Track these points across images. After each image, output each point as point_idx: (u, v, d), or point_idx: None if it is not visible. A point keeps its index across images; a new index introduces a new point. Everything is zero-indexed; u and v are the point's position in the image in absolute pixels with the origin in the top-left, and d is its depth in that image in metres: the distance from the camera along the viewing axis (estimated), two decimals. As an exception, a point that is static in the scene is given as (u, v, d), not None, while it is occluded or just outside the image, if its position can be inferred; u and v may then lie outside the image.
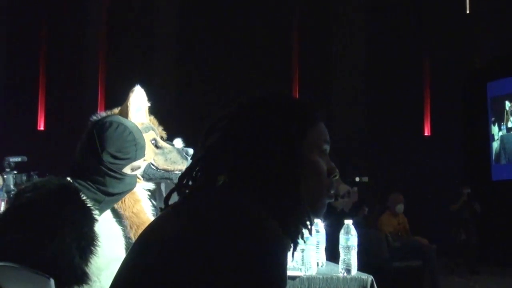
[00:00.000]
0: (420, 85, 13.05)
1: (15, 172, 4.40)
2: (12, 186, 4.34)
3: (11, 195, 4.30)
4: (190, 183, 1.44)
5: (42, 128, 12.16)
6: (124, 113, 2.52)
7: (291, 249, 1.41)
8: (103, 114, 2.53)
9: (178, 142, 2.84)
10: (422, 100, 13.08)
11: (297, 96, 12.60)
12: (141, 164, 2.28)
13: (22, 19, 11.84)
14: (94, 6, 12.07)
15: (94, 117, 2.51)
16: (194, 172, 1.44)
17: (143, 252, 1.35)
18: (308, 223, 1.43)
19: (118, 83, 11.47)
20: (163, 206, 1.49)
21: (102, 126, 2.19)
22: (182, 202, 1.42)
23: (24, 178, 4.39)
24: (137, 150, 2.21)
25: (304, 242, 1.50)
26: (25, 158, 4.48)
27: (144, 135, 2.42)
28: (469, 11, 12.50)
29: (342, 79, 12.74)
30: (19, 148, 9.34)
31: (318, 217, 1.47)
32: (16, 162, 4.41)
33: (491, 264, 10.33)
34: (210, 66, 12.25)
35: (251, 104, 1.45)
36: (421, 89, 13.07)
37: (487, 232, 10.86)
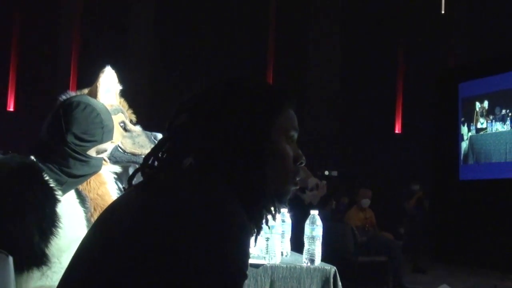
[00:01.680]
0: (393, 82, 13.14)
1: None
2: None
3: None
4: (155, 163, 1.43)
5: (11, 109, 11.99)
6: (93, 94, 2.49)
7: (255, 234, 1.41)
8: (73, 93, 2.49)
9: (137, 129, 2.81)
10: (395, 98, 13.18)
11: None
12: (107, 147, 2.23)
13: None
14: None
15: (63, 96, 2.47)
16: (160, 153, 1.43)
17: (103, 230, 1.34)
18: (272, 208, 1.43)
19: (91, 64, 11.35)
20: (127, 186, 1.48)
21: (69, 106, 2.12)
22: (146, 182, 1.41)
23: None
24: (104, 133, 2.14)
25: (269, 228, 1.49)
26: None
27: (113, 117, 2.37)
28: (444, 11, 12.58)
29: (315, 75, 12.79)
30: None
31: (282, 203, 1.46)
32: None
33: (454, 263, 10.48)
34: (185, 50, 12.17)
35: (221, 86, 1.44)
36: (393, 87, 13.16)
37: (451, 231, 11.02)
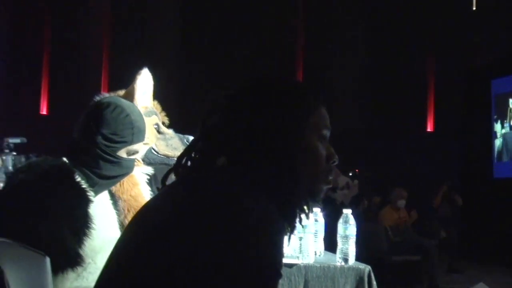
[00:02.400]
0: (424, 80, 13.02)
1: (14, 153, 4.39)
2: (10, 168, 4.33)
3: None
4: (188, 163, 1.44)
5: (45, 113, 12.14)
6: (130, 96, 2.50)
7: (288, 234, 1.41)
8: (106, 94, 2.51)
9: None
10: (426, 96, 13.06)
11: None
12: (139, 148, 2.21)
13: (26, 1, 11.81)
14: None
15: (97, 97, 2.49)
16: (193, 153, 1.44)
17: (137, 231, 1.34)
18: (305, 207, 1.42)
19: (122, 67, 11.46)
20: (160, 187, 1.49)
21: (100, 107, 2.13)
22: (179, 183, 1.41)
23: (23, 159, 4.37)
24: (134, 134, 2.13)
25: (302, 227, 1.49)
26: (24, 140, 4.48)
27: (147, 119, 2.39)
28: (475, 7, 12.43)
29: (344, 73, 12.72)
30: (21, 132, 9.33)
31: (315, 202, 1.46)
32: (15, 144, 4.41)
33: (489, 263, 10.34)
34: (214, 52, 12.20)
35: (253, 86, 1.44)
36: (425, 85, 13.04)
37: (485, 230, 10.87)
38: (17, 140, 4.43)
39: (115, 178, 2.17)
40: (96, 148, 2.08)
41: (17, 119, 11.09)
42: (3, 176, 4.36)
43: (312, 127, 1.41)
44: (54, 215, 1.88)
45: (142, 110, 2.39)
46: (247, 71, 11.90)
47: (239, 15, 12.32)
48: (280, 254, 1.25)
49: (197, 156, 1.43)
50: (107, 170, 2.11)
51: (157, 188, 1.51)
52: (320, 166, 1.42)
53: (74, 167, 2.07)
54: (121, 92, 2.57)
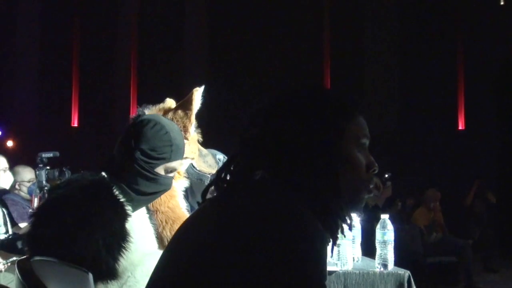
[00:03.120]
0: (454, 78, 12.89)
1: (48, 167, 4.45)
2: (44, 182, 4.39)
3: (44, 191, 4.36)
4: (228, 177, 1.44)
5: (76, 125, 12.28)
6: (187, 109, 2.53)
7: (330, 244, 1.40)
8: (151, 107, 2.53)
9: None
10: (456, 94, 12.92)
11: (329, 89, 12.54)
12: (177, 166, 2.19)
13: (55, 16, 11.96)
14: (126, 3, 12.15)
15: (139, 111, 2.47)
16: (232, 166, 1.44)
17: (182, 248, 1.35)
18: (347, 218, 1.41)
19: (150, 79, 11.57)
20: (200, 201, 1.49)
21: (140, 123, 2.12)
22: (220, 197, 1.42)
23: (56, 173, 4.43)
24: (173, 151, 2.12)
25: (344, 236, 1.48)
26: (57, 154, 4.53)
27: (194, 134, 2.43)
28: (503, 2, 12.29)
29: (374, 73, 12.67)
30: (54, 144, 9.45)
31: (357, 212, 1.45)
32: (48, 158, 4.46)
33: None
34: (240, 62, 12.23)
35: (289, 98, 1.44)
36: (455, 82, 12.91)
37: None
38: (50, 155, 4.49)
39: (153, 195, 2.16)
40: (134, 164, 2.08)
41: (49, 132, 11.25)
42: (38, 190, 4.42)
43: (351, 137, 1.40)
44: (89, 230, 1.90)
45: (194, 124, 2.42)
46: (274, 75, 11.93)
47: (265, 18, 12.33)
48: (325, 267, 1.25)
49: (236, 170, 1.43)
50: (145, 187, 2.10)
51: (197, 203, 1.51)
52: (361, 176, 1.41)
53: (113, 182, 2.08)
54: (168, 104, 2.59)
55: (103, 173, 2.11)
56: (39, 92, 11.90)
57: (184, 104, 2.54)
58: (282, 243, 1.19)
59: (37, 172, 4.43)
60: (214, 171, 2.69)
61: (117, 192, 2.05)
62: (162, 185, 2.15)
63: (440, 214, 8.60)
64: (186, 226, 1.42)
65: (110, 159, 2.17)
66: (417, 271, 6.73)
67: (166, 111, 2.56)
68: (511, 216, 10.76)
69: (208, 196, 1.47)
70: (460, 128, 12.91)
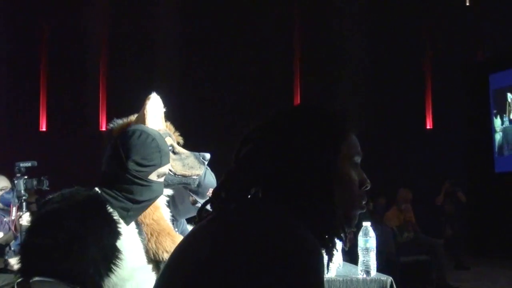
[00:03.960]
0: (421, 78, 13.02)
1: (26, 177, 4.41)
2: (22, 192, 4.36)
3: (22, 200, 4.33)
4: (223, 195, 1.45)
5: (44, 129, 12.14)
6: (141, 121, 2.52)
7: (327, 261, 1.42)
8: (119, 121, 2.54)
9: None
10: (424, 93, 13.06)
11: (300, 90, 12.62)
12: (166, 170, 2.27)
13: (23, 19, 11.80)
14: (95, 6, 12.04)
15: (111, 125, 2.53)
16: (228, 184, 1.45)
17: (180, 268, 1.35)
18: (342, 234, 1.43)
19: (119, 82, 11.48)
20: (188, 213, 1.50)
21: (125, 135, 2.20)
22: (217, 216, 1.42)
23: (34, 183, 4.40)
24: (162, 157, 2.20)
25: (337, 250, 1.50)
26: (35, 163, 4.50)
27: None
28: (469, 3, 12.48)
29: (342, 73, 12.73)
30: (22, 149, 9.37)
31: (350, 228, 1.47)
32: (26, 167, 4.43)
33: (495, 257, 10.38)
34: (212, 66, 12.21)
35: (284, 116, 1.46)
36: (422, 82, 13.04)
37: (490, 225, 10.91)
38: (28, 164, 4.46)
39: (147, 201, 2.23)
40: (128, 174, 2.14)
41: (17, 137, 11.11)
42: (16, 200, 4.39)
43: (345, 155, 1.42)
44: (83, 245, 1.91)
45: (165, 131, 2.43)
46: (247, 79, 11.95)
47: (237, 21, 12.33)
48: (322, 283, 1.27)
49: (232, 187, 1.44)
50: (140, 195, 2.17)
51: (193, 222, 1.52)
52: (354, 193, 1.44)
53: (107, 195, 2.13)
54: (133, 118, 2.58)
55: (97, 189, 2.14)
56: (6, 96, 11.73)
57: (140, 115, 2.54)
58: (280, 261, 1.20)
59: (15, 182, 4.40)
60: (198, 171, 2.67)
61: (111, 209, 2.08)
62: (155, 191, 2.23)
63: (412, 214, 8.69)
64: (184, 245, 1.43)
65: (101, 174, 2.22)
66: (390, 271, 6.80)
67: (128, 125, 2.55)
68: (481, 215, 10.95)
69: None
70: (428, 127, 13.05)
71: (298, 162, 1.36)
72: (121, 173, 2.14)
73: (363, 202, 1.48)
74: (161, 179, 2.26)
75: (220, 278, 1.22)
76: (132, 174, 2.14)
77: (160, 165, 2.20)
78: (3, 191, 5.54)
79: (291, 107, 1.50)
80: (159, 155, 2.19)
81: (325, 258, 1.40)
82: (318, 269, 1.24)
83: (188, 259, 1.34)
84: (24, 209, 4.32)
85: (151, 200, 2.25)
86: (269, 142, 1.41)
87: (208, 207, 1.47)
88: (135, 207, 2.18)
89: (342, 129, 1.44)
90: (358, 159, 1.46)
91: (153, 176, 2.19)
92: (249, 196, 1.43)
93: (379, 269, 2.89)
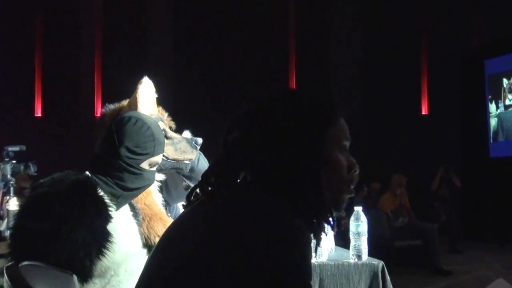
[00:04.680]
0: (417, 64, 13.02)
1: (14, 161, 4.40)
2: (9, 176, 4.35)
3: (10, 185, 4.32)
4: (212, 180, 1.46)
5: (39, 114, 12.12)
6: (133, 105, 2.52)
7: (314, 245, 1.43)
8: (112, 106, 2.54)
9: (187, 134, 2.84)
10: (420, 79, 13.06)
11: (295, 80, 12.60)
12: (159, 160, 2.25)
13: (18, 4, 11.75)
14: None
15: (103, 110, 2.52)
16: (217, 169, 1.46)
17: (169, 251, 1.36)
18: (330, 219, 1.45)
19: (114, 67, 11.46)
20: (183, 202, 1.51)
21: (121, 121, 2.17)
22: (206, 200, 1.44)
23: (22, 167, 4.40)
24: (156, 146, 2.18)
25: (326, 235, 1.51)
26: (23, 147, 4.49)
27: None
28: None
29: (338, 59, 12.72)
30: (18, 134, 9.37)
31: (339, 212, 1.48)
32: (14, 151, 4.42)
33: (489, 241, 10.44)
34: (205, 57, 12.18)
35: (272, 101, 1.46)
36: (418, 68, 13.04)
37: (485, 210, 10.95)
38: (16, 148, 4.45)
39: (138, 189, 2.21)
40: (120, 160, 2.12)
41: (13, 122, 11.10)
42: (1, 184, 4.38)
43: (332, 139, 1.43)
44: (72, 228, 1.90)
45: (158, 116, 2.42)
46: (240, 71, 11.93)
47: (230, 10, 12.29)
48: (310, 267, 1.28)
49: (220, 172, 1.45)
50: (131, 182, 2.15)
51: (182, 205, 1.53)
52: (342, 177, 1.45)
53: (98, 180, 2.11)
54: (125, 102, 2.57)
55: (87, 173, 2.14)
56: (1, 82, 11.70)
57: (132, 100, 2.54)
58: (267, 245, 1.22)
59: (2, 166, 4.39)
60: (191, 156, 2.67)
61: (102, 192, 2.07)
62: (147, 180, 2.21)
63: (406, 199, 8.72)
64: (172, 230, 1.44)
65: (93, 158, 2.19)
66: (385, 255, 6.84)
67: (120, 110, 2.54)
68: (475, 200, 10.99)
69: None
70: (423, 113, 13.07)
71: (286, 147, 1.37)
72: (113, 159, 2.13)
73: (352, 186, 1.48)
74: (153, 168, 2.25)
75: (208, 263, 1.23)
76: (124, 161, 2.12)
77: (153, 154, 2.19)
78: None
79: (279, 92, 1.50)
80: (153, 144, 2.17)
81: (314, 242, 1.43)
82: (304, 251, 1.25)
83: (177, 243, 1.36)
84: (11, 194, 4.31)
85: (141, 188, 2.23)
86: (257, 126, 1.42)
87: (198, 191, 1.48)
88: (125, 194, 2.16)
89: (330, 114, 1.44)
90: (346, 143, 1.47)
91: (145, 165, 2.18)
92: (238, 181, 1.44)
93: (371, 254, 2.91)
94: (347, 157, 1.47)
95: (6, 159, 4.40)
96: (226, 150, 1.46)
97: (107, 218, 2.03)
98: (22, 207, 2.05)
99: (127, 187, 2.15)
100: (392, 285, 2.81)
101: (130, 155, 2.13)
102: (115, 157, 2.12)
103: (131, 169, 2.14)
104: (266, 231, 1.23)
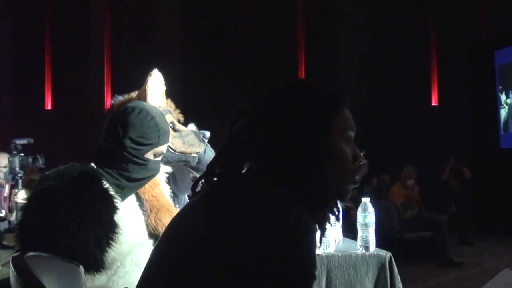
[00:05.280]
0: (427, 54, 12.95)
1: (22, 154, 4.42)
2: (17, 169, 4.37)
3: (17, 178, 4.34)
4: (217, 170, 1.46)
5: (49, 107, 12.16)
6: (143, 97, 2.52)
7: (319, 235, 1.43)
8: (120, 97, 2.54)
9: (192, 127, 2.84)
10: (429, 70, 13.00)
11: (304, 70, 12.58)
12: (164, 150, 2.25)
13: (26, -2, 11.80)
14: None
15: (113, 101, 2.52)
16: (221, 160, 1.46)
17: (174, 241, 1.37)
18: (335, 209, 1.45)
19: (123, 60, 11.47)
20: (190, 194, 1.52)
21: (125, 111, 2.16)
22: (211, 190, 1.44)
23: (30, 160, 4.41)
24: (160, 136, 2.17)
25: (331, 225, 1.51)
26: (31, 140, 4.50)
27: None
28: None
29: (348, 50, 12.68)
30: (28, 128, 9.40)
31: (344, 202, 1.49)
32: (22, 144, 4.44)
33: (499, 233, 10.40)
34: (215, 47, 12.17)
35: (277, 91, 1.46)
36: (428, 59, 12.97)
37: (495, 201, 10.91)
38: (24, 141, 4.46)
39: (143, 180, 2.21)
40: (124, 151, 2.12)
41: (23, 116, 11.14)
42: (9, 177, 4.40)
43: (337, 129, 1.43)
44: (79, 222, 1.91)
45: (166, 108, 2.41)
46: (249, 59, 11.91)
47: (239, 2, 12.28)
48: (314, 256, 1.28)
49: (226, 162, 1.45)
50: (136, 173, 2.15)
51: (188, 196, 1.53)
52: (347, 167, 1.45)
53: (103, 171, 2.11)
54: (134, 94, 2.58)
55: (92, 164, 2.13)
56: (11, 75, 11.74)
57: (141, 92, 2.55)
58: (272, 235, 1.22)
59: (10, 159, 4.41)
60: (198, 149, 2.68)
61: (107, 184, 2.07)
62: (151, 170, 2.20)
63: (416, 190, 8.71)
64: (178, 220, 1.45)
65: (97, 150, 2.19)
66: (394, 247, 6.85)
67: (129, 101, 2.55)
68: (485, 191, 10.95)
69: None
70: (433, 104, 13.01)
71: (291, 137, 1.37)
72: (117, 150, 2.12)
73: (357, 177, 1.48)
74: (158, 158, 2.24)
75: (214, 254, 1.24)
76: (128, 151, 2.12)
77: (157, 144, 2.18)
78: (6, 169, 5.57)
79: (284, 83, 1.50)
80: (157, 134, 2.16)
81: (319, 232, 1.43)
82: (308, 240, 1.26)
83: (183, 233, 1.36)
84: (19, 187, 4.33)
85: (147, 179, 2.23)
86: (262, 117, 1.42)
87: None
88: (130, 185, 2.16)
89: (335, 104, 1.44)
90: (351, 133, 1.47)
91: (149, 155, 2.17)
92: (243, 171, 1.45)
93: (380, 245, 2.91)
94: (352, 147, 1.47)
95: (14, 152, 4.42)
96: (231, 140, 1.46)
97: (113, 209, 2.04)
98: (29, 200, 2.06)
99: (132, 178, 2.15)
100: (402, 277, 2.81)
101: (134, 146, 2.13)
102: (119, 148, 2.12)
103: (136, 159, 2.13)
104: (270, 221, 1.24)
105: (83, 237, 1.90)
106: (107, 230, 1.99)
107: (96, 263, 1.95)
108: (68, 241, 1.88)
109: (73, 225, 1.89)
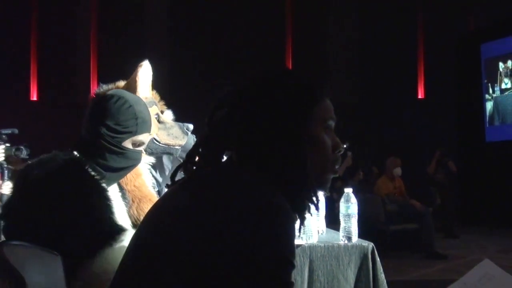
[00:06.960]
0: (413, 47, 13.00)
1: (7, 144, 4.40)
2: (1, 159, 4.34)
3: (4, 168, 4.30)
4: (197, 159, 1.46)
5: (35, 99, 12.09)
6: (132, 87, 2.50)
7: (299, 224, 1.43)
8: (105, 86, 2.51)
9: (169, 114, 2.83)
10: (416, 63, 13.05)
11: (291, 62, 12.57)
12: (144, 139, 2.20)
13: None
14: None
15: (97, 90, 2.49)
16: (201, 148, 1.46)
17: (152, 229, 1.37)
18: (314, 198, 1.45)
19: (110, 50, 11.42)
20: (169, 182, 1.51)
21: (103, 99, 2.13)
22: (189, 179, 1.44)
23: (13, 150, 4.39)
24: (138, 125, 2.13)
25: (311, 214, 1.51)
26: (15, 130, 4.47)
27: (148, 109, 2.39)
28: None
29: (335, 43, 12.69)
30: (13, 119, 9.33)
31: (323, 191, 1.49)
32: (7, 134, 4.41)
33: (484, 226, 10.46)
34: (202, 37, 12.14)
35: (258, 80, 1.46)
36: (414, 52, 13.02)
37: (480, 194, 10.98)
38: (8, 131, 4.43)
39: (123, 170, 2.17)
40: (101, 139, 2.08)
41: (8, 106, 11.06)
42: None
43: (317, 118, 1.42)
44: (69, 210, 1.89)
45: (151, 100, 2.40)
46: (237, 51, 11.88)
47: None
48: (293, 245, 1.28)
49: (205, 151, 1.45)
50: (114, 162, 2.11)
51: (166, 185, 1.53)
52: (327, 156, 1.45)
53: (85, 160, 2.08)
54: (121, 83, 2.56)
55: (75, 152, 2.11)
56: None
57: (130, 82, 2.53)
58: (250, 224, 1.22)
59: None
60: (181, 142, 2.68)
61: (92, 172, 2.05)
62: (131, 160, 2.17)
63: (401, 182, 8.74)
64: (155, 209, 1.44)
65: (79, 138, 2.16)
66: (380, 239, 6.87)
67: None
68: (471, 184, 11.02)
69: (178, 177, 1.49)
70: (420, 97, 13.06)
71: (270, 125, 1.37)
72: (95, 138, 2.09)
73: (336, 166, 1.48)
74: (139, 148, 2.20)
75: (192, 243, 1.23)
76: (105, 139, 2.08)
77: (135, 133, 2.14)
78: None
79: (265, 72, 1.49)
80: (135, 122, 2.12)
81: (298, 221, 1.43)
82: (287, 228, 1.26)
83: (160, 221, 1.36)
84: (5, 178, 4.31)
85: (127, 169, 2.19)
86: (242, 105, 1.42)
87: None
88: (109, 175, 2.12)
89: (315, 93, 1.44)
90: (331, 123, 1.47)
91: (127, 144, 2.13)
92: (222, 160, 1.44)
93: (365, 237, 2.91)
94: (332, 136, 1.47)
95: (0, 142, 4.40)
96: (211, 129, 1.46)
97: (103, 189, 2.03)
98: (14, 191, 2.03)
99: (110, 167, 2.11)
100: (387, 269, 2.81)
101: (110, 133, 2.09)
102: (96, 136, 2.08)
103: (113, 148, 2.09)
104: (248, 209, 1.23)
105: (74, 225, 1.88)
106: (102, 204, 1.98)
107: (113, 229, 1.95)
108: (60, 229, 1.86)
109: (63, 214, 1.87)
